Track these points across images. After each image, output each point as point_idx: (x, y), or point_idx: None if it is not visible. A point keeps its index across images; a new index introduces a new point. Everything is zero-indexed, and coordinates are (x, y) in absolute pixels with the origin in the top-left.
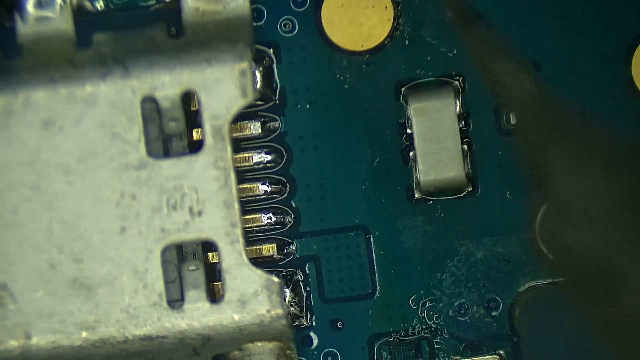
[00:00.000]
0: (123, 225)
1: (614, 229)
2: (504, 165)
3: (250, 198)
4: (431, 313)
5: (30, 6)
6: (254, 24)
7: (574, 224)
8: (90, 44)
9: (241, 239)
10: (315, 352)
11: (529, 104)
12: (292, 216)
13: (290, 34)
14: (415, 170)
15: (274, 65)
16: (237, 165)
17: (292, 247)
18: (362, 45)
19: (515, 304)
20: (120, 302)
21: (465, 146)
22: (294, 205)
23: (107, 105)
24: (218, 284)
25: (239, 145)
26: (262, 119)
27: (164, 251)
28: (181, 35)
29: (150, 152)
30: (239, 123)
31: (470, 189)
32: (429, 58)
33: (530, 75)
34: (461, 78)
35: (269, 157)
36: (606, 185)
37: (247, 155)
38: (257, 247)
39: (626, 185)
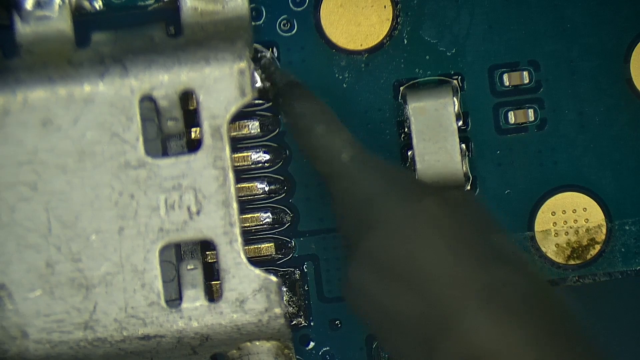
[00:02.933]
0: (121, 224)
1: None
2: (503, 165)
3: (249, 197)
4: None
5: (29, 5)
6: (253, 23)
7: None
8: (89, 43)
9: (239, 238)
10: (314, 352)
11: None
12: (291, 215)
13: (289, 34)
14: (414, 169)
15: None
16: (236, 164)
17: (291, 246)
18: (361, 45)
19: None
20: (119, 302)
21: (463, 145)
22: (292, 204)
23: (106, 104)
24: (216, 283)
25: (238, 144)
26: (261, 118)
27: (162, 250)
28: (180, 35)
29: (148, 152)
30: (237, 122)
31: (468, 188)
32: (427, 57)
33: (343, 135)
34: (460, 77)
35: (268, 157)
36: (432, 242)
37: (245, 154)
38: (256, 246)
39: (450, 237)
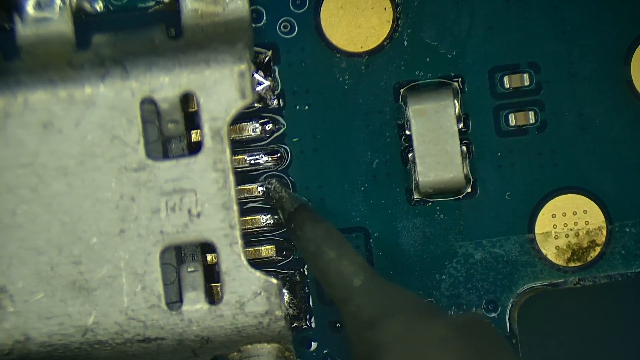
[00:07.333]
0: (122, 227)
1: None
2: (503, 167)
3: (249, 199)
4: None
5: (29, 7)
6: (253, 25)
7: None
8: (90, 45)
9: (240, 241)
10: (314, 354)
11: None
12: None
13: (290, 36)
14: (414, 171)
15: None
16: (236, 166)
17: (291, 249)
18: (361, 47)
19: (514, 305)
20: (119, 304)
21: (464, 148)
22: None
23: (106, 106)
24: (217, 286)
25: (238, 146)
26: (262, 121)
27: (163, 253)
28: (180, 37)
29: (149, 154)
30: (238, 125)
31: (469, 191)
32: (428, 59)
33: (353, 259)
34: (460, 79)
35: (268, 159)
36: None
37: (246, 156)
38: (256, 248)
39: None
